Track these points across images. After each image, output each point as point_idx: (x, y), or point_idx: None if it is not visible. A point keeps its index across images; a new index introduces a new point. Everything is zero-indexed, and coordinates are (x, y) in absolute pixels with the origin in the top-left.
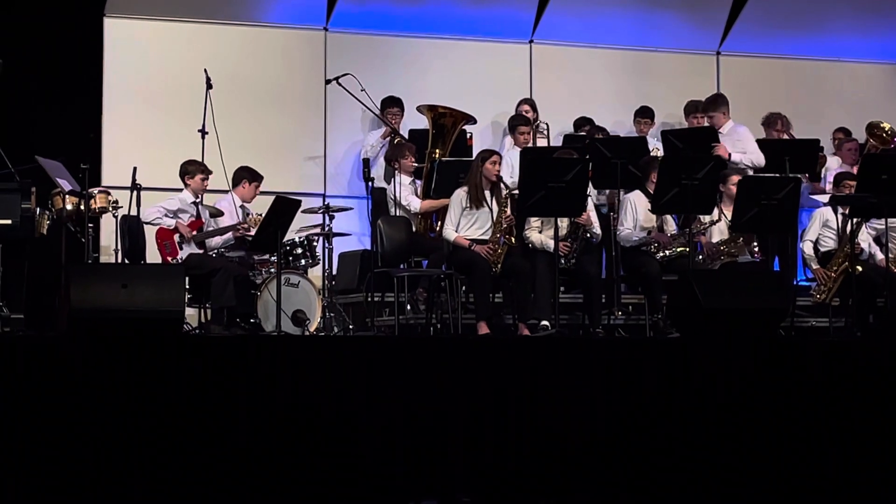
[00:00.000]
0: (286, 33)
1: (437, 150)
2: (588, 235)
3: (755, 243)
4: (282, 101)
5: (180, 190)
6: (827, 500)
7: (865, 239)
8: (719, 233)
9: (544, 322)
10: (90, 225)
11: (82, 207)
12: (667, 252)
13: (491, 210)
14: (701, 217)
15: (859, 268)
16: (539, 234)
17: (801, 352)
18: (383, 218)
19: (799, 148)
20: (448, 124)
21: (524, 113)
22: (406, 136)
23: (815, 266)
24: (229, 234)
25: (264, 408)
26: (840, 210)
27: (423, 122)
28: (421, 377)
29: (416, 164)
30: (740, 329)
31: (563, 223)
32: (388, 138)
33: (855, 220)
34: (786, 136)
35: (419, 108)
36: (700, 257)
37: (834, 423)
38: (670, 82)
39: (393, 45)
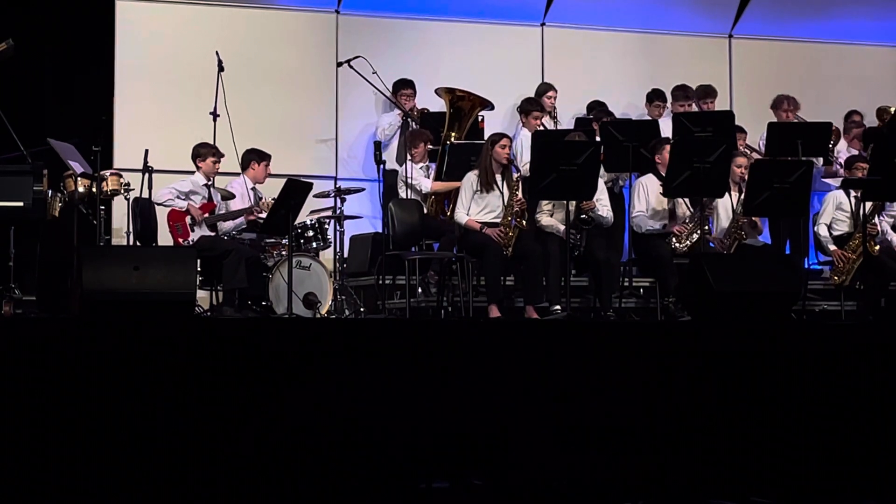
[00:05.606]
0: (298, 16)
1: (453, 133)
2: (588, 217)
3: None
4: (293, 84)
5: (192, 172)
6: (834, 486)
7: (878, 223)
8: (725, 214)
9: (556, 306)
10: (102, 207)
11: (94, 190)
12: (682, 242)
13: (502, 193)
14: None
15: (877, 247)
16: (550, 217)
17: (813, 335)
18: (394, 201)
19: (811, 131)
20: (465, 108)
21: (548, 98)
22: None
23: (832, 247)
24: (241, 218)
25: (275, 390)
26: (853, 193)
27: (436, 104)
28: (432, 360)
29: (432, 147)
30: (752, 312)
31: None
32: (403, 120)
33: (870, 202)
34: (793, 118)
35: (437, 91)
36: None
37: (847, 406)
38: (682, 65)
39: (404, 27)
